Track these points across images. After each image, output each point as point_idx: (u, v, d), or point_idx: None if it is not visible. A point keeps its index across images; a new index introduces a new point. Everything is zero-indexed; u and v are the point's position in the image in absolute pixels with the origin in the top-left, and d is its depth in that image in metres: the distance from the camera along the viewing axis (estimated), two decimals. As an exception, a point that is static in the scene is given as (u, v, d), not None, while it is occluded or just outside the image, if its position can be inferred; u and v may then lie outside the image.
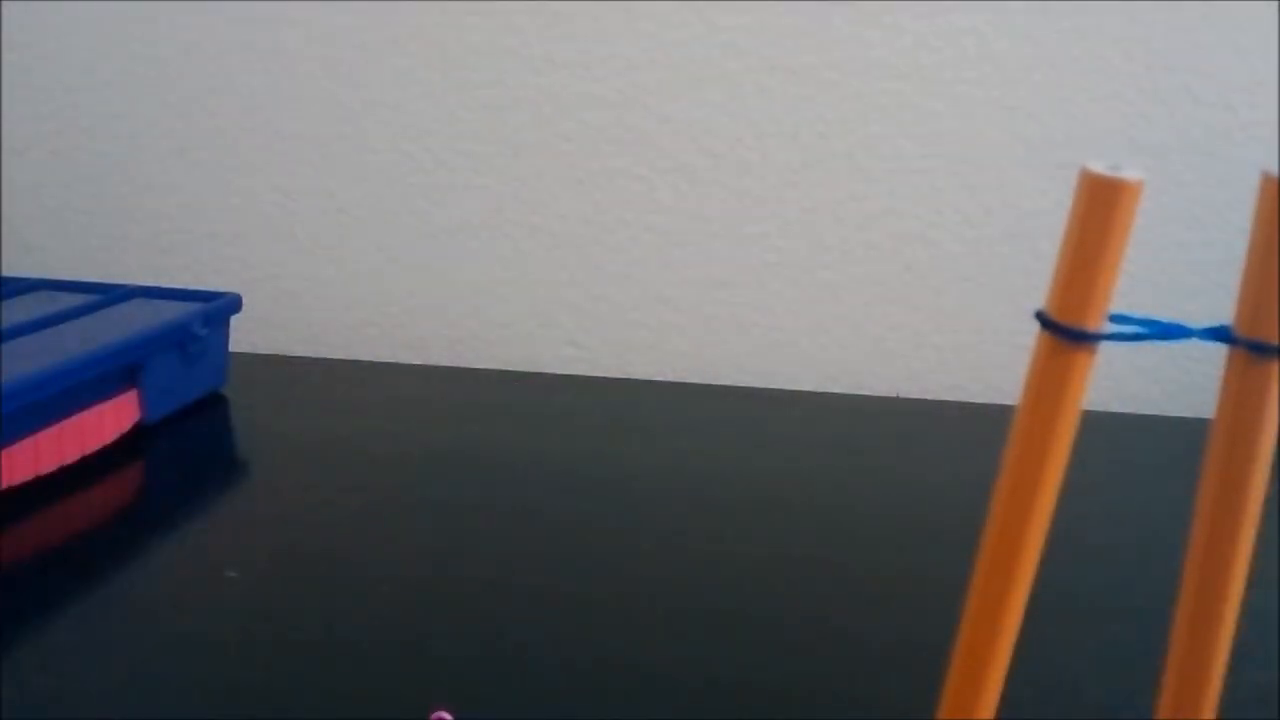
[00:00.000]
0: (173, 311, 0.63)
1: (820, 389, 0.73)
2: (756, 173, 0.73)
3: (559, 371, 0.76)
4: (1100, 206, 0.18)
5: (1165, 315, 0.21)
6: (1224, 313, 0.19)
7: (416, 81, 0.75)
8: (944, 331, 0.74)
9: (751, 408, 0.68)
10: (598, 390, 0.70)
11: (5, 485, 0.50)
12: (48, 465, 0.53)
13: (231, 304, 0.66)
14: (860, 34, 0.70)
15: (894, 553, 0.48)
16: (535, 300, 0.77)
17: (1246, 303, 0.18)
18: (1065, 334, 0.19)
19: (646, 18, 0.71)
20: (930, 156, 0.71)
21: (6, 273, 0.78)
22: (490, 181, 0.76)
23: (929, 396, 0.71)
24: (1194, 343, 0.19)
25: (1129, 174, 0.18)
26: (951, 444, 0.62)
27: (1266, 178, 0.18)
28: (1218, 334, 0.19)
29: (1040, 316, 0.19)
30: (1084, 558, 0.48)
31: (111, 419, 0.57)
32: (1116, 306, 0.19)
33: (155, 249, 0.81)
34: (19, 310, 0.62)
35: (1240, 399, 0.19)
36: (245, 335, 0.75)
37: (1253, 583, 0.47)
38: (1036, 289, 0.72)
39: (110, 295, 0.66)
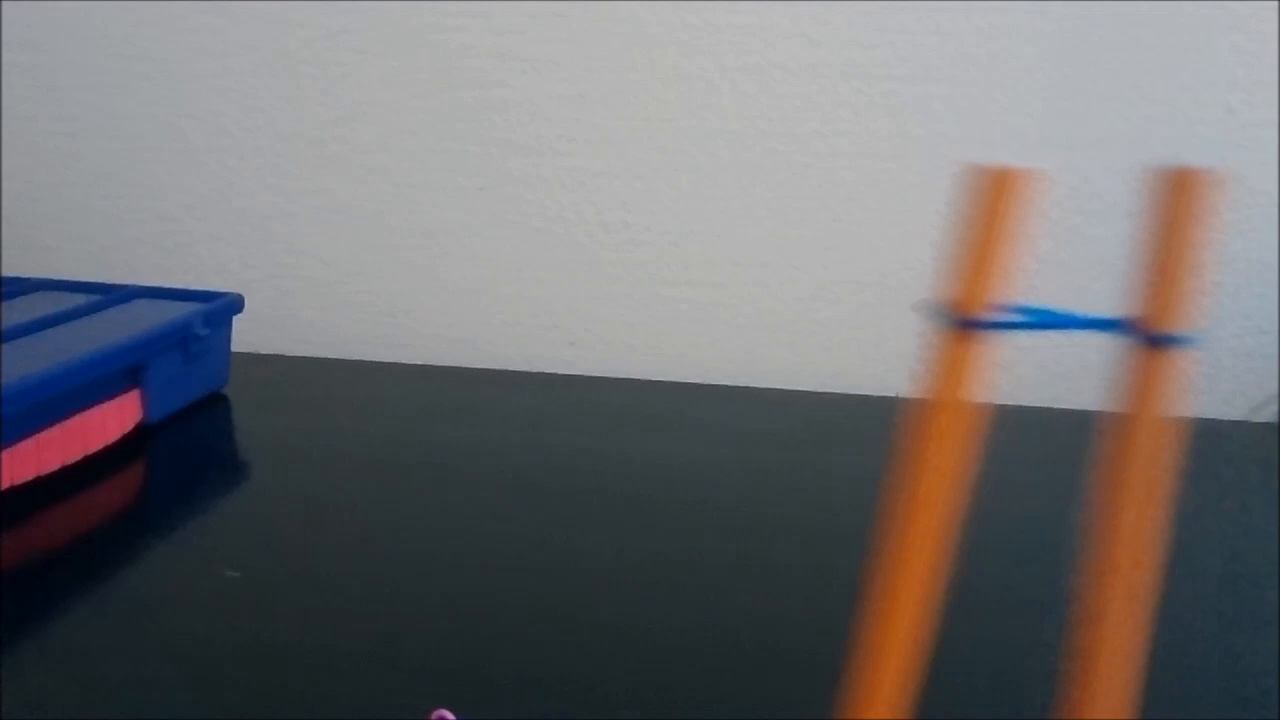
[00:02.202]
0: (174, 312, 0.63)
1: (819, 389, 0.73)
2: (756, 173, 0.73)
3: (559, 371, 0.76)
4: (986, 197, 0.19)
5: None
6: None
7: (416, 82, 0.75)
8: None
9: (751, 408, 0.68)
10: (598, 390, 0.70)
11: (8, 484, 0.50)
12: (50, 465, 0.53)
13: (233, 304, 0.67)
14: (861, 34, 0.70)
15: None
16: (535, 300, 0.78)
17: (1137, 294, 0.19)
18: (954, 322, 0.20)
19: (646, 18, 0.71)
20: (931, 156, 0.71)
21: (8, 273, 0.78)
22: (489, 181, 0.76)
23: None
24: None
25: (1015, 165, 0.19)
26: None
27: (1154, 171, 0.18)
28: (1109, 325, 0.19)
29: (931, 306, 0.20)
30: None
31: (113, 419, 0.57)
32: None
33: (157, 249, 0.81)
34: (21, 310, 0.63)
35: (1132, 388, 0.19)
36: (246, 335, 0.75)
37: (1253, 583, 0.47)
38: (1042, 291, 0.72)
39: (112, 295, 0.66)
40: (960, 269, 0.19)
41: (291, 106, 0.77)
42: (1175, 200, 0.18)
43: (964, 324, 0.19)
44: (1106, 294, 0.72)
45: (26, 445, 0.51)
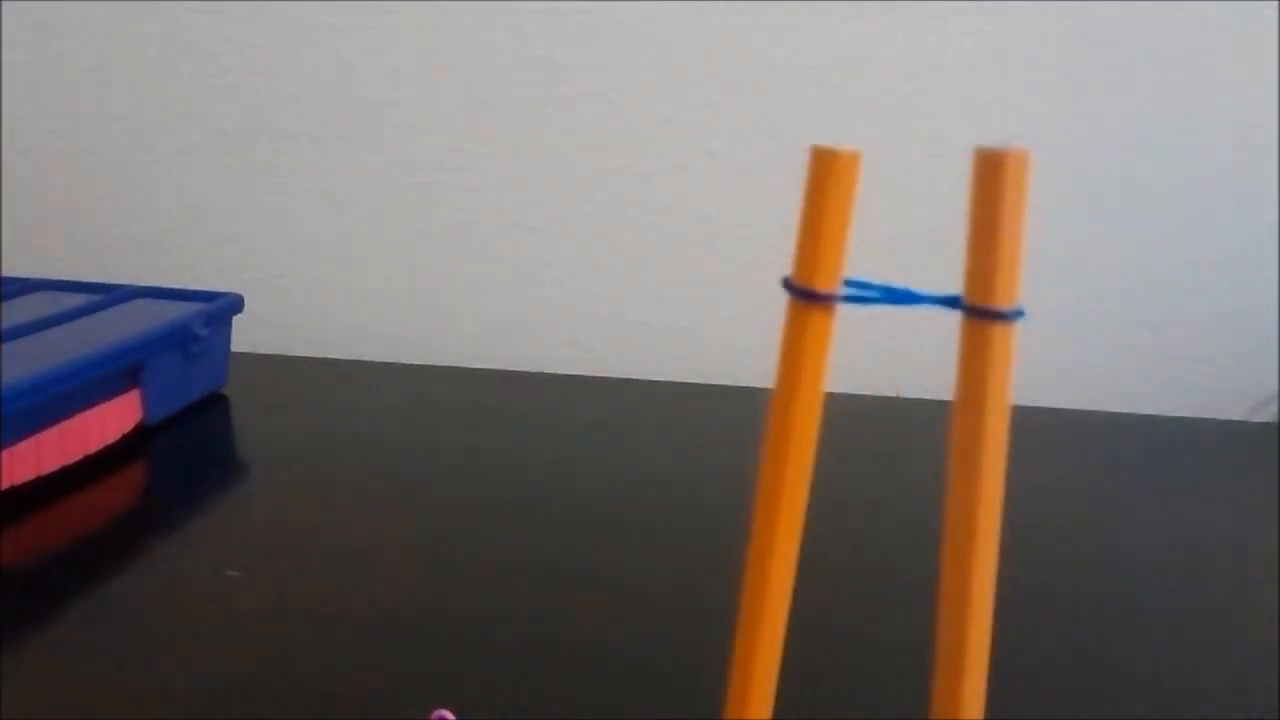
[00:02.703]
0: (174, 312, 0.63)
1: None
2: (756, 173, 0.73)
3: (559, 371, 0.76)
4: (821, 176, 0.21)
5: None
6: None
7: (416, 81, 0.75)
8: (944, 331, 0.74)
9: (751, 408, 0.68)
10: (598, 390, 0.70)
11: (7, 485, 0.50)
12: (50, 465, 0.53)
13: (232, 304, 0.66)
14: (861, 34, 0.70)
15: (894, 551, 0.48)
16: (535, 300, 0.78)
17: (970, 271, 0.19)
18: (800, 294, 0.21)
19: (646, 18, 0.71)
20: (932, 156, 0.71)
21: (7, 273, 0.78)
22: (490, 181, 0.76)
23: (929, 397, 0.71)
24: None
25: (844, 147, 0.21)
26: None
27: (978, 152, 0.19)
28: (948, 301, 0.20)
29: (784, 280, 0.21)
30: (1083, 555, 0.48)
31: (113, 419, 0.57)
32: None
33: (157, 249, 0.81)
34: (21, 310, 0.63)
35: (971, 365, 0.20)
36: (245, 335, 0.75)
37: (1253, 583, 0.47)
38: (1042, 291, 0.72)
39: (112, 295, 0.66)
40: (802, 245, 0.21)
41: (291, 106, 0.77)
42: (992, 180, 0.19)
43: (807, 296, 0.21)
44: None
45: (26, 445, 0.51)
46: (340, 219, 0.78)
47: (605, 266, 0.76)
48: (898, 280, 0.72)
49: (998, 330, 0.19)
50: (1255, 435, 0.66)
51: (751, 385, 0.73)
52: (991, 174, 0.19)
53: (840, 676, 0.38)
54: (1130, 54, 0.68)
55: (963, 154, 0.71)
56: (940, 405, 0.68)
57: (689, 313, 0.76)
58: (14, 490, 0.51)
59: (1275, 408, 0.72)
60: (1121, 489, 0.56)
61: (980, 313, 0.19)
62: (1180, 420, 0.68)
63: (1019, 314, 0.19)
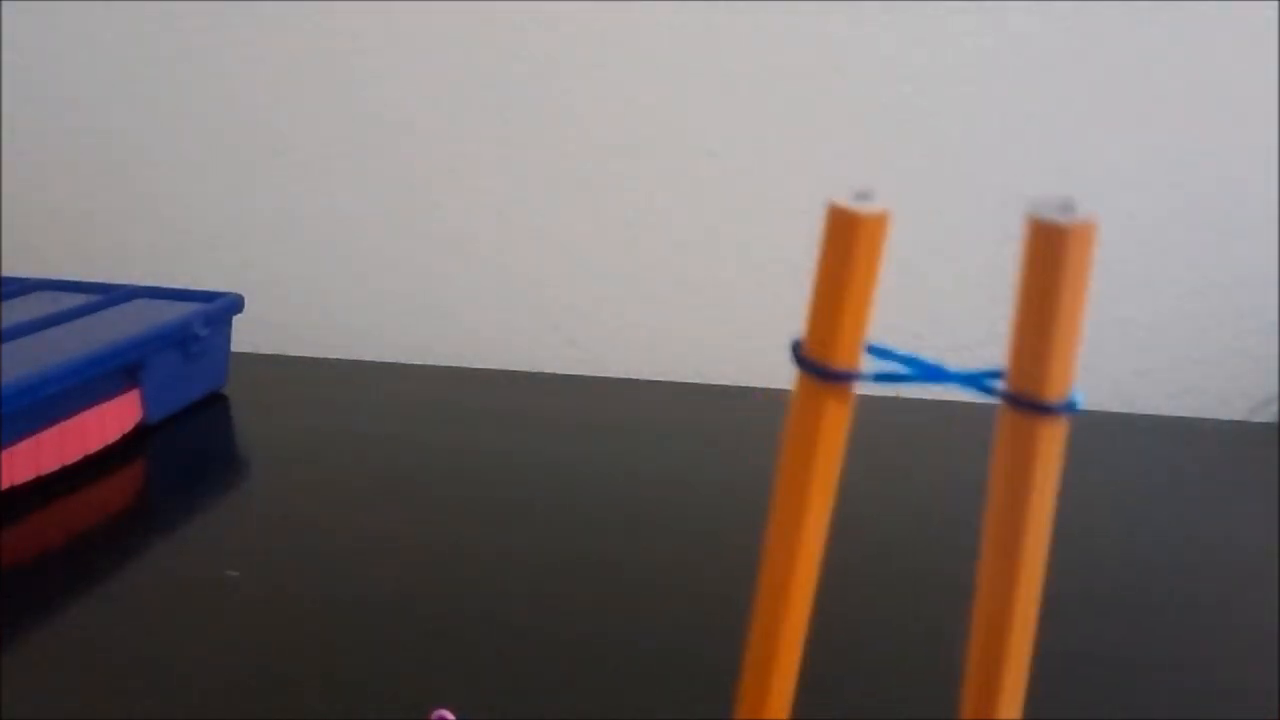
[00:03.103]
0: (174, 311, 0.63)
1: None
2: (756, 173, 0.73)
3: (559, 371, 0.76)
4: (842, 240, 0.17)
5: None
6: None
7: (416, 83, 0.75)
8: (943, 333, 0.74)
9: (751, 408, 0.68)
10: (598, 390, 0.70)
11: (7, 485, 0.50)
12: (49, 465, 0.53)
13: (232, 304, 0.66)
14: (861, 34, 0.70)
15: (894, 551, 0.48)
16: (535, 300, 0.78)
17: (1014, 353, 0.17)
18: (816, 372, 0.18)
19: (646, 19, 0.71)
20: (932, 157, 0.71)
21: (7, 273, 0.78)
22: (490, 183, 0.76)
23: (930, 397, 0.71)
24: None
25: (870, 206, 0.17)
26: (952, 444, 0.62)
27: (1033, 222, 0.16)
28: (974, 381, 0.18)
29: (795, 353, 0.19)
30: (1083, 556, 0.48)
31: (113, 419, 0.57)
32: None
33: (156, 249, 0.81)
34: (20, 310, 0.63)
35: (1007, 448, 0.17)
36: (245, 335, 0.75)
37: (1253, 583, 0.47)
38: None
39: (111, 295, 0.66)
40: (817, 316, 0.18)
41: (291, 106, 0.77)
42: (1051, 256, 0.16)
43: (823, 374, 0.18)
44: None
45: (26, 445, 0.51)
46: (340, 219, 0.78)
47: (605, 267, 0.76)
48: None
49: (1045, 425, 0.17)
50: (1255, 435, 0.66)
51: (751, 385, 0.73)
52: (1050, 248, 0.16)
53: (842, 679, 0.38)
54: (1130, 54, 0.68)
55: (964, 153, 0.71)
56: (943, 405, 0.68)
57: (689, 313, 0.76)
58: (14, 490, 0.51)
59: (1275, 408, 0.72)
60: (1122, 489, 0.56)
61: (1028, 405, 0.17)
62: (1180, 420, 0.68)
63: (1072, 406, 0.17)
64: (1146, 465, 0.60)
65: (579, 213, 0.75)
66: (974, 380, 0.18)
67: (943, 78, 0.70)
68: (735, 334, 0.76)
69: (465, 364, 0.77)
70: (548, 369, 0.77)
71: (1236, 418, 0.72)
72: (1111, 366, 0.73)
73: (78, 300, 0.65)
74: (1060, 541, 0.50)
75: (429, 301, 0.79)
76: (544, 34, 0.73)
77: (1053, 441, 0.17)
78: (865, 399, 0.70)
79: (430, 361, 0.78)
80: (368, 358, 0.78)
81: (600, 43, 0.72)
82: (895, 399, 0.71)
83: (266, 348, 0.79)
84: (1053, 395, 0.16)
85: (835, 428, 0.19)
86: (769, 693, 0.21)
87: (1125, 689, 0.38)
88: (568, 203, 0.75)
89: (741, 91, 0.72)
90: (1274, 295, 0.70)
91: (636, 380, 0.73)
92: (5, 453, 0.49)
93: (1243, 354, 0.72)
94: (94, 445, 0.55)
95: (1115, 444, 0.63)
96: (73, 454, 0.54)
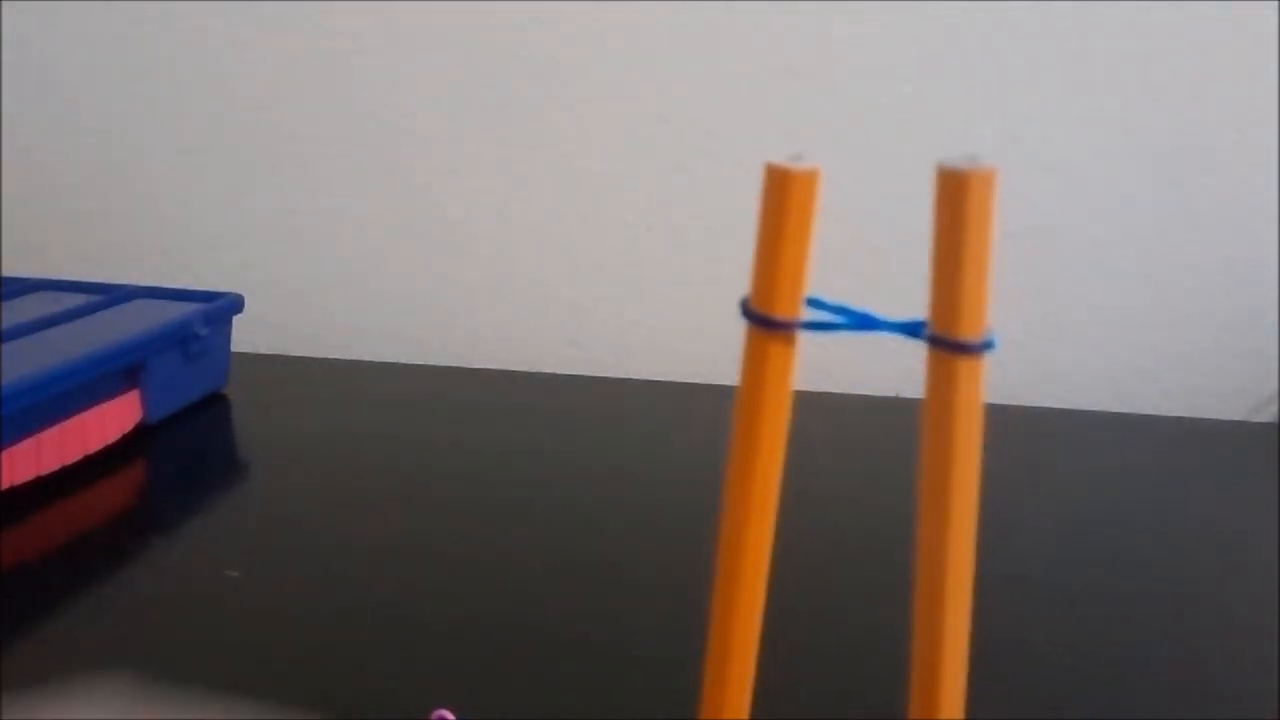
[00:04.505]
0: (174, 311, 0.63)
1: (819, 389, 0.73)
2: (756, 173, 0.73)
3: (559, 371, 0.76)
4: (778, 196, 0.19)
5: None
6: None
7: (416, 82, 0.75)
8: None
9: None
10: (598, 390, 0.70)
11: (7, 485, 0.50)
12: (49, 465, 0.53)
13: (233, 304, 0.66)
14: (861, 34, 0.70)
15: (894, 551, 0.48)
16: (535, 300, 0.77)
17: (932, 298, 0.18)
18: (758, 321, 0.20)
19: (646, 19, 0.71)
20: (932, 157, 0.71)
21: (7, 273, 0.78)
22: (490, 182, 0.76)
23: (914, 396, 0.71)
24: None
25: (802, 164, 0.19)
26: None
27: (940, 171, 0.17)
28: (909, 328, 0.19)
29: (742, 305, 0.20)
30: (1083, 555, 0.48)
31: (113, 419, 0.57)
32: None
33: (156, 249, 0.81)
34: (20, 310, 0.63)
35: (935, 393, 0.18)
36: (246, 335, 0.75)
37: (1253, 583, 0.47)
38: (1041, 292, 0.72)
39: (112, 295, 0.66)
40: (759, 269, 0.19)
41: (291, 106, 0.77)
42: (956, 202, 0.17)
43: (765, 324, 0.20)
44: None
45: (26, 445, 0.51)
46: (340, 218, 0.78)
47: (605, 266, 0.76)
48: (893, 290, 0.71)
49: (964, 363, 0.18)
50: (1255, 435, 0.66)
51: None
52: (954, 195, 0.17)
53: (828, 678, 0.38)
54: (1129, 54, 0.68)
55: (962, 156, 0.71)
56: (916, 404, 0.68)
57: (689, 313, 0.76)
58: (14, 490, 0.51)
59: (1275, 408, 0.72)
60: (1122, 489, 0.56)
61: (946, 344, 0.18)
62: (1180, 420, 0.68)
63: (987, 345, 0.18)
64: (1146, 465, 0.60)
65: (579, 213, 0.75)
66: (901, 327, 0.19)
67: (943, 78, 0.70)
68: (735, 334, 0.76)
69: (465, 364, 0.77)
70: (548, 369, 0.77)
71: (1236, 418, 0.72)
72: (1111, 366, 0.73)
73: (78, 300, 0.65)
74: (1060, 541, 0.50)
75: (429, 301, 0.79)
76: (544, 34, 0.73)
77: (972, 379, 0.18)
78: (843, 398, 0.70)
79: (430, 361, 0.78)
80: (368, 358, 0.78)
81: (600, 43, 0.72)
82: (895, 399, 0.71)
83: (266, 348, 0.79)
84: (967, 333, 0.17)
85: (780, 374, 0.20)
86: (731, 652, 0.21)
87: (1125, 688, 0.38)
88: (568, 203, 0.75)
89: (741, 91, 0.72)
90: (1274, 295, 0.70)
91: (636, 380, 0.73)
92: (5, 453, 0.49)
93: (1243, 354, 0.72)
94: (94, 445, 0.55)
95: (1115, 444, 0.63)
96: (73, 454, 0.54)
